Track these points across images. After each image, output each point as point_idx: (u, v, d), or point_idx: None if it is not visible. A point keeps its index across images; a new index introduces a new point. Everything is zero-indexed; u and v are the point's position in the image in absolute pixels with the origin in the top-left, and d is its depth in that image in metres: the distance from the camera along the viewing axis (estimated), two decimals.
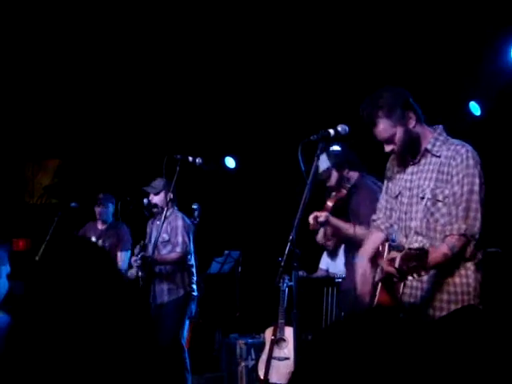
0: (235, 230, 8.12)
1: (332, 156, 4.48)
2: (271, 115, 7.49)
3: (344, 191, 4.51)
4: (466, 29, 5.72)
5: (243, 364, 6.50)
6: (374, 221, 3.31)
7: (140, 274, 5.41)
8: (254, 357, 6.46)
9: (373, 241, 3.24)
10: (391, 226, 3.19)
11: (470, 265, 2.92)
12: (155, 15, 6.36)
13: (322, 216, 4.25)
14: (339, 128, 3.43)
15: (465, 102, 6.40)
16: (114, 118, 8.05)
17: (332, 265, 6.65)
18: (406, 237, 3.03)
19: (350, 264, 4.28)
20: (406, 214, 3.05)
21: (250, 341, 6.61)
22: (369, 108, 3.02)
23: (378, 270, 2.99)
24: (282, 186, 5.62)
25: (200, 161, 5.16)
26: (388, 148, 3.04)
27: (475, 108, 6.37)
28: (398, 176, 3.16)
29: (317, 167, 3.40)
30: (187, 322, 5.51)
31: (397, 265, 2.63)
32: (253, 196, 7.84)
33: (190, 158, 5.13)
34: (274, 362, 5.73)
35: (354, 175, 4.51)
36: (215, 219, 8.15)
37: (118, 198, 6.53)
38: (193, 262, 5.57)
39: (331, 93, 6.89)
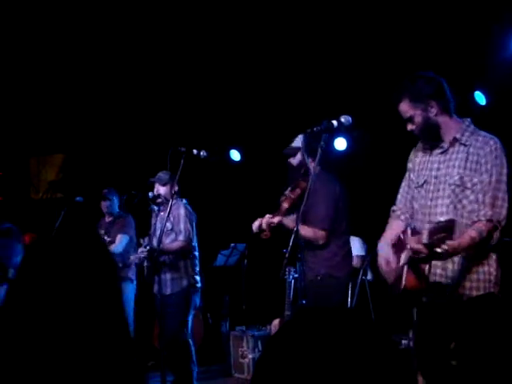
0: (241, 222, 8.11)
1: (307, 138, 4.30)
2: (275, 107, 7.47)
3: (302, 186, 4.28)
4: (470, 18, 5.69)
5: (250, 356, 6.51)
6: (394, 211, 3.39)
7: (146, 264, 5.45)
8: (260, 349, 6.48)
9: (393, 228, 3.31)
10: (411, 216, 3.28)
11: (492, 253, 3.05)
12: (159, 10, 6.35)
13: (276, 220, 4.20)
14: (342, 119, 3.44)
15: (470, 91, 6.37)
16: (117, 111, 8.05)
17: None
18: (430, 222, 3.08)
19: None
20: (431, 200, 3.14)
21: (256, 333, 6.62)
22: (399, 87, 3.18)
23: (403, 254, 3.04)
24: (287, 178, 5.60)
25: (205, 153, 5.15)
26: (408, 127, 3.18)
27: (480, 97, 6.34)
28: (423, 166, 3.25)
29: (319, 158, 3.40)
30: (192, 314, 5.52)
31: (425, 239, 2.69)
32: (258, 188, 7.83)
33: (195, 151, 5.12)
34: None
35: (315, 169, 4.07)
36: (221, 212, 8.15)
37: (123, 191, 6.55)
38: (197, 252, 5.58)
39: (334, 84, 6.87)
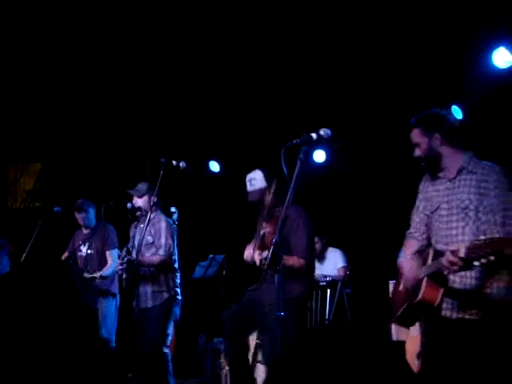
0: (219, 233, 8.11)
1: (268, 176, 4.63)
2: (255, 119, 7.50)
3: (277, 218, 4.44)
4: (447, 33, 5.76)
5: (227, 368, 6.48)
6: (411, 233, 3.69)
7: (124, 276, 5.40)
8: None
9: (411, 247, 3.63)
10: (424, 240, 3.61)
11: (508, 271, 3.29)
12: (139, 27, 6.37)
13: (265, 255, 4.37)
14: (321, 132, 3.46)
15: (447, 105, 6.43)
16: (96, 121, 8.02)
17: (319, 268, 6.70)
18: (447, 244, 3.34)
19: None
20: (446, 223, 3.42)
21: None
22: (420, 116, 3.59)
23: (423, 268, 3.33)
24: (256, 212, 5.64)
25: (184, 165, 5.14)
26: (415, 153, 3.54)
27: (457, 111, 6.41)
28: (433, 194, 3.55)
29: (299, 171, 3.41)
30: (172, 326, 5.49)
31: (463, 254, 2.91)
32: (237, 200, 7.83)
33: (174, 162, 5.11)
34: (258, 367, 5.72)
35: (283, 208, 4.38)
36: (199, 223, 8.14)
37: (102, 202, 6.50)
38: (177, 265, 5.56)
39: (314, 96, 6.91)
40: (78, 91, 7.52)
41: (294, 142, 3.45)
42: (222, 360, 6.53)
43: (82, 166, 8.49)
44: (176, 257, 5.54)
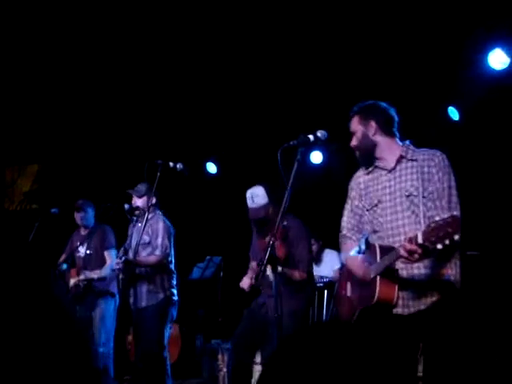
0: (217, 235, 8.11)
1: (271, 192, 4.71)
2: (252, 121, 7.51)
3: (279, 232, 4.53)
4: (443, 34, 5.78)
5: (225, 370, 6.49)
6: (345, 235, 3.56)
7: (121, 276, 5.40)
8: None
9: (350, 247, 3.47)
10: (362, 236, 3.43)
11: (456, 255, 3.23)
12: (133, 29, 6.38)
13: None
14: (318, 134, 3.48)
15: (443, 106, 6.45)
16: (94, 122, 8.02)
17: (316, 269, 6.71)
18: (393, 236, 3.24)
19: None
20: (391, 215, 3.29)
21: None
22: (359, 105, 3.50)
23: (372, 267, 3.17)
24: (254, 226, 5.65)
25: (181, 166, 5.15)
26: (351, 142, 3.46)
27: (454, 113, 6.43)
28: (371, 189, 3.43)
29: (295, 172, 3.43)
30: (169, 328, 5.49)
31: (421, 240, 2.79)
32: (234, 201, 7.84)
33: (171, 164, 5.12)
34: (255, 367, 5.73)
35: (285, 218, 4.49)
36: (197, 224, 8.14)
37: (99, 203, 6.51)
38: (173, 266, 5.56)
39: (311, 98, 6.93)
40: (76, 93, 7.53)
41: (291, 143, 3.46)
42: (220, 361, 6.53)
43: (79, 168, 8.49)
44: (173, 258, 5.55)
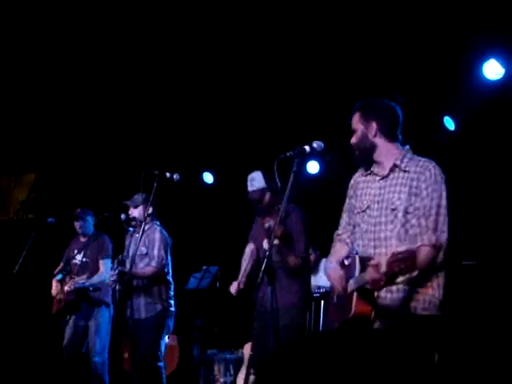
0: (213, 245, 8.11)
1: (269, 178, 4.77)
2: (249, 131, 7.52)
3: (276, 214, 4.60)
4: (438, 45, 5.81)
5: (222, 380, 6.48)
6: (339, 235, 3.45)
7: (117, 287, 5.40)
8: (232, 373, 6.44)
9: (338, 251, 3.39)
10: (352, 241, 3.35)
11: (439, 276, 3.09)
12: (128, 39, 6.41)
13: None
14: (315, 144, 3.48)
15: (439, 116, 6.47)
16: (90, 132, 8.02)
17: (313, 279, 6.70)
18: (375, 247, 3.12)
19: None
20: (375, 225, 3.16)
21: (228, 356, 6.59)
22: (364, 102, 3.36)
23: (351, 281, 3.06)
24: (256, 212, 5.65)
25: (177, 177, 5.16)
26: (351, 140, 3.31)
27: (449, 123, 6.45)
28: (364, 191, 3.31)
29: (292, 183, 3.44)
30: (165, 338, 5.49)
31: (384, 269, 2.67)
32: (231, 211, 7.85)
33: (168, 174, 5.13)
34: (252, 378, 5.71)
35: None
36: (193, 235, 8.14)
37: (96, 213, 6.50)
38: (170, 276, 5.56)
39: (308, 108, 6.94)
40: (72, 102, 7.53)
41: (288, 154, 3.46)
42: (216, 371, 6.52)
43: (76, 177, 8.48)
44: (170, 268, 5.55)
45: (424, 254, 2.90)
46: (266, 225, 4.67)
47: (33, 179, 9.13)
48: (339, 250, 3.39)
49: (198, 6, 6.03)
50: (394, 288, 3.03)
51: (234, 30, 6.27)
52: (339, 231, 3.47)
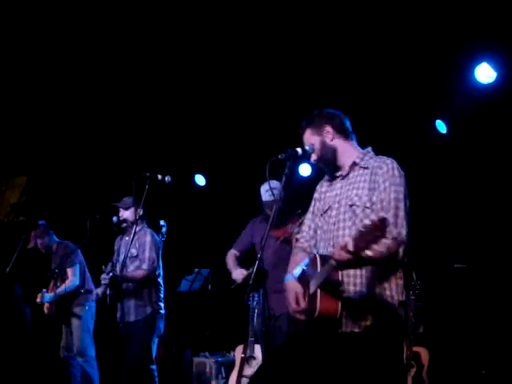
0: (205, 247, 8.10)
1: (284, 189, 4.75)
2: (241, 133, 7.52)
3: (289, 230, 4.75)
4: (430, 48, 5.82)
5: (213, 382, 6.46)
6: (298, 240, 3.44)
7: (108, 292, 5.37)
8: (224, 375, 6.44)
9: (298, 262, 3.27)
10: (314, 245, 3.31)
11: (398, 273, 3.05)
12: (123, 41, 6.40)
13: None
14: (307, 147, 3.47)
15: (431, 119, 6.49)
16: (82, 135, 8.00)
17: None
18: (334, 246, 3.03)
19: None
20: (334, 224, 3.15)
21: (220, 359, 6.58)
22: (302, 122, 3.38)
23: (312, 281, 2.98)
24: (251, 204, 5.63)
25: (169, 179, 5.14)
26: (312, 157, 3.31)
27: (441, 126, 6.46)
28: (327, 194, 3.33)
29: (284, 185, 3.43)
30: (156, 341, 5.47)
31: (351, 248, 2.57)
32: (223, 213, 7.84)
33: (159, 176, 5.11)
34: (244, 381, 5.71)
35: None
36: (185, 237, 8.12)
37: (87, 215, 6.49)
38: (161, 279, 5.54)
39: (300, 112, 6.94)
40: (64, 105, 7.51)
41: (279, 156, 3.44)
42: (208, 374, 6.51)
43: (67, 180, 8.45)
44: (160, 271, 5.53)
45: (386, 245, 2.78)
46: (296, 229, 4.68)
47: (24, 182, 9.10)
48: (299, 261, 3.26)
49: (188, 8, 6.02)
50: (357, 281, 2.99)
51: (226, 35, 6.27)
52: (298, 235, 3.45)
